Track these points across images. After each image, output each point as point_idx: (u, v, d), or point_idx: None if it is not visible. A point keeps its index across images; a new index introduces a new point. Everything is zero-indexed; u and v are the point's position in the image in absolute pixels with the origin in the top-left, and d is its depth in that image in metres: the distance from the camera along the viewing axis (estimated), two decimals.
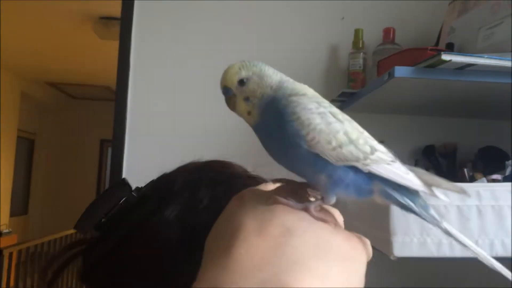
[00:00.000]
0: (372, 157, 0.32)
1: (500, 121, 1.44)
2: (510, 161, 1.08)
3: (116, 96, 1.54)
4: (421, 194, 0.33)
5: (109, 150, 8.50)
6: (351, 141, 0.32)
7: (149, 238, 0.41)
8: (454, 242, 0.85)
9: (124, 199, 0.43)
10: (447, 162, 1.39)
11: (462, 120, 1.46)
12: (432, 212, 0.32)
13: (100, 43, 4.53)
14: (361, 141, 0.33)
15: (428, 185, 0.32)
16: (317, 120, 0.32)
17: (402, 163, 0.33)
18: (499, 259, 0.89)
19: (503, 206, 0.89)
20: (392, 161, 0.32)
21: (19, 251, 3.60)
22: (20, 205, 7.42)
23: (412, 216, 0.84)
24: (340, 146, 0.32)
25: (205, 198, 0.43)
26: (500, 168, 1.12)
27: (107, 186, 7.83)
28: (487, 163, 1.22)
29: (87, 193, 8.20)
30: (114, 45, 4.73)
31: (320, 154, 0.32)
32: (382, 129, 1.46)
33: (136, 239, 0.42)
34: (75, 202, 7.88)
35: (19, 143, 6.97)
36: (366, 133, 0.34)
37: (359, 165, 0.32)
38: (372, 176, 0.32)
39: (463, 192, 0.32)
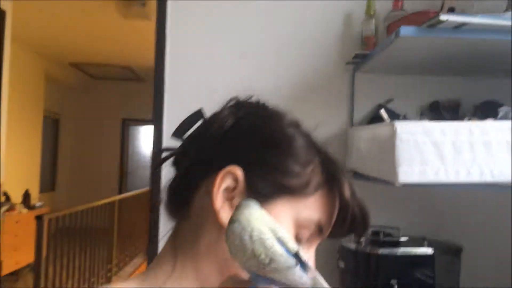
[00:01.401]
0: (268, 268, 0.43)
1: (499, 78, 1.60)
2: (502, 108, 1.25)
3: (155, 77, 1.69)
4: None
5: (130, 128, 8.81)
6: (254, 256, 0.44)
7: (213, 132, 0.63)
8: (450, 169, 1.04)
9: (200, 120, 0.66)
10: (450, 116, 1.55)
11: (464, 78, 1.62)
12: None
13: (121, 23, 4.71)
14: (262, 256, 0.43)
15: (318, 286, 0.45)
16: (236, 242, 0.45)
17: (304, 267, 0.43)
18: (488, 185, 1.07)
19: (491, 141, 1.06)
20: (290, 267, 0.43)
21: (56, 219, 3.87)
22: (48, 182, 7.77)
23: (413, 148, 1.03)
24: (248, 260, 0.44)
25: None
26: (494, 116, 1.29)
27: (130, 163, 8.10)
28: (485, 113, 1.38)
29: (110, 170, 8.52)
30: (135, 25, 4.88)
31: (240, 263, 0.46)
32: (391, 88, 1.64)
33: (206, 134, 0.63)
34: (99, 179, 8.24)
35: (45, 123, 7.26)
36: (276, 248, 0.44)
37: (260, 273, 0.44)
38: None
39: None
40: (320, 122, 1.64)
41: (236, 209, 0.48)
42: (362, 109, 1.63)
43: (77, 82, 8.13)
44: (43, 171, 7.18)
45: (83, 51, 6.39)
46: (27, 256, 5.00)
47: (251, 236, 0.44)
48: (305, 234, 0.59)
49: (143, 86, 7.87)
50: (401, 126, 1.07)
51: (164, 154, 0.71)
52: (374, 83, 1.64)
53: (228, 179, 0.58)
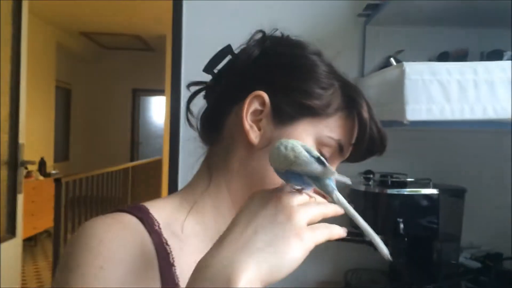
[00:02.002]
0: (293, 164, 0.53)
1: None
2: (506, 52, 1.30)
3: (173, 46, 1.72)
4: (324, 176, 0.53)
5: (141, 99, 8.89)
6: (286, 159, 0.53)
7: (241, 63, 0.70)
8: (455, 107, 1.10)
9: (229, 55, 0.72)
10: None
11: (474, 29, 1.65)
12: (330, 187, 0.52)
13: None
14: (291, 156, 0.53)
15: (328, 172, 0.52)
16: (276, 152, 0.55)
17: (319, 162, 0.53)
18: (492, 122, 1.13)
19: (494, 79, 1.12)
20: (308, 162, 0.53)
21: (73, 184, 4.00)
22: (62, 152, 7.92)
23: (421, 87, 1.09)
24: (281, 163, 0.54)
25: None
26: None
27: (141, 133, 8.17)
28: (491, 60, 1.43)
29: (122, 140, 8.66)
30: None
31: (275, 167, 0.56)
32: (402, 41, 1.68)
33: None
34: (111, 149, 8.37)
35: (57, 93, 7.35)
36: (303, 153, 0.54)
37: (289, 168, 0.53)
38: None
39: (345, 181, 0.53)
40: None
41: None
42: (372, 62, 1.68)
43: (88, 52, 8.18)
44: (56, 141, 7.31)
45: (94, 20, 6.42)
46: (44, 222, 5.16)
47: (285, 147, 0.55)
48: (327, 152, 0.67)
49: (153, 56, 7.92)
50: (409, 67, 1.13)
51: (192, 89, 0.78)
52: (384, 36, 1.68)
53: (255, 102, 0.66)
